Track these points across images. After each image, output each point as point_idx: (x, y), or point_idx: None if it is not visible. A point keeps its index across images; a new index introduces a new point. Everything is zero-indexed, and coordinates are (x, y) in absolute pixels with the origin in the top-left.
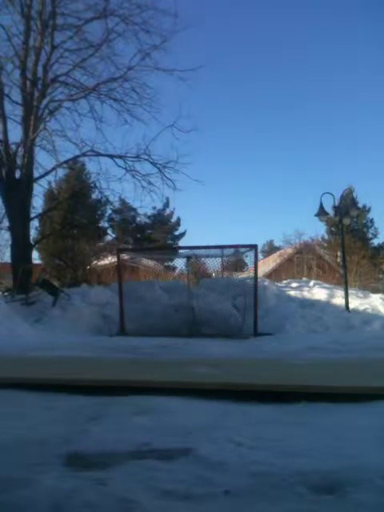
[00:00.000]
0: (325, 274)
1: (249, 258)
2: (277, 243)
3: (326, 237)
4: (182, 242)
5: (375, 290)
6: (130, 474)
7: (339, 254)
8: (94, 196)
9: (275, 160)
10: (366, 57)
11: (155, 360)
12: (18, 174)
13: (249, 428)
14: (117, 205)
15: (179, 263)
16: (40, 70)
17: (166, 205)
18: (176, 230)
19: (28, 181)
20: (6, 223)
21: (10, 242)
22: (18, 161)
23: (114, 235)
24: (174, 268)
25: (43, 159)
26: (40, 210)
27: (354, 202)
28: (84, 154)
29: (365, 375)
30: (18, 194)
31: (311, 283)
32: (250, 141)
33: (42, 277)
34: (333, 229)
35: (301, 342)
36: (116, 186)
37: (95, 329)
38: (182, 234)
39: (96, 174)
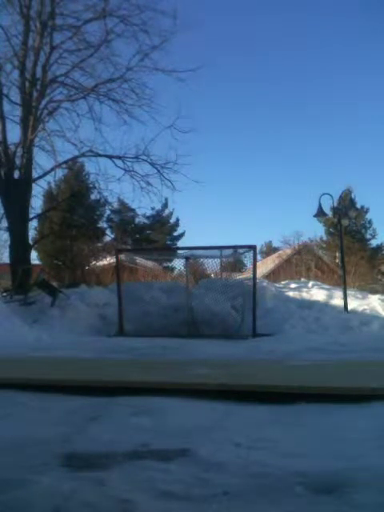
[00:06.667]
0: (323, 274)
1: (247, 259)
2: (275, 244)
3: (325, 238)
4: (180, 243)
5: (374, 291)
6: (129, 474)
7: (338, 254)
8: (92, 196)
9: (274, 161)
10: (366, 57)
11: (154, 360)
12: (16, 175)
13: (248, 429)
14: (115, 205)
15: (178, 264)
16: (39, 70)
17: (165, 205)
18: (175, 230)
19: (27, 181)
20: (4, 223)
21: (8, 243)
22: (17, 161)
23: (112, 236)
24: (172, 268)
25: (42, 160)
26: (39, 211)
27: (352, 203)
28: (83, 155)
29: (364, 376)
30: (17, 194)
31: (310, 284)
32: (249, 141)
33: (41, 277)
34: (331, 230)
35: (299, 343)
36: (115, 187)
37: (94, 329)
38: (181, 235)
39: (95, 175)
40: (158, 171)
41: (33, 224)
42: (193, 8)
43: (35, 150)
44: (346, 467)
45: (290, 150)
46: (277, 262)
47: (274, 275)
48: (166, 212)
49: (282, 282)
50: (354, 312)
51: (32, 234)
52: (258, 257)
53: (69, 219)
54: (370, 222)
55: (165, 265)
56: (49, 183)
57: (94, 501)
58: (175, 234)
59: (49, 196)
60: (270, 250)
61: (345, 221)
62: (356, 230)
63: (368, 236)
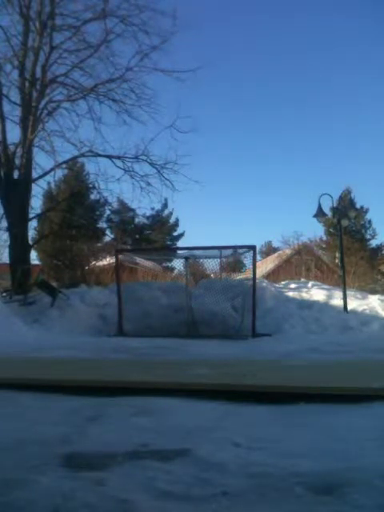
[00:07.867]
0: (323, 274)
1: (247, 259)
2: (275, 244)
3: (325, 238)
4: (180, 243)
5: (373, 291)
6: (129, 474)
7: (337, 255)
8: (92, 197)
9: (274, 161)
10: (367, 57)
11: (154, 360)
12: (16, 175)
13: (247, 429)
14: (115, 205)
15: (178, 264)
16: (39, 70)
17: (165, 205)
18: (174, 230)
19: (26, 181)
20: (4, 224)
21: (8, 243)
22: (17, 161)
23: (112, 236)
24: (172, 269)
25: (42, 160)
26: (39, 211)
27: (352, 203)
28: (82, 155)
29: (363, 376)
30: (17, 194)
31: (309, 284)
32: (248, 141)
33: (41, 277)
34: (331, 230)
35: (299, 343)
36: (114, 187)
37: (94, 329)
38: (181, 235)
39: (95, 175)
40: (158, 171)
41: (33, 224)
42: (193, 8)
43: (35, 150)
44: (346, 467)
45: (289, 149)
46: (276, 262)
47: (273, 275)
48: (166, 212)
49: (282, 282)
50: (353, 312)
51: (32, 234)
52: (258, 257)
53: (69, 219)
54: (369, 222)
55: (165, 265)
56: (49, 183)
57: (93, 501)
58: (175, 234)
59: (49, 196)
60: (269, 250)
61: (344, 221)
62: (356, 230)
63: (368, 236)
